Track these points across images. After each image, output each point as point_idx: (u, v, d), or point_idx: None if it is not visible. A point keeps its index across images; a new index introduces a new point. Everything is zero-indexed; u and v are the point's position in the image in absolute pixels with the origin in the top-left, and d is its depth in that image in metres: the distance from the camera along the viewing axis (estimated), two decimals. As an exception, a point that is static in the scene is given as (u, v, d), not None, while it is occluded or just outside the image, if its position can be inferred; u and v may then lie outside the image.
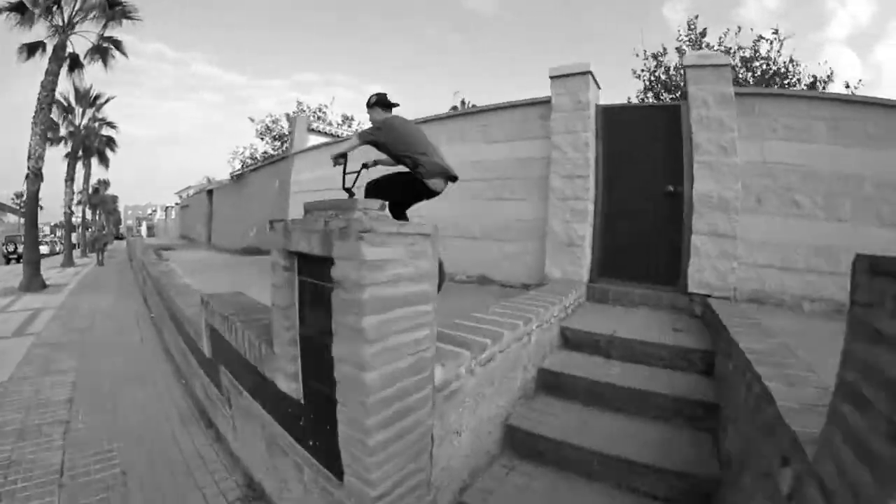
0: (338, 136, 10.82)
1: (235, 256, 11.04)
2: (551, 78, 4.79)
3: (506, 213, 5.13)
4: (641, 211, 4.47)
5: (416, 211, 4.02)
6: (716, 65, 4.31)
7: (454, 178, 3.26)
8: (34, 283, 9.88)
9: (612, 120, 4.74)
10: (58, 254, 21.48)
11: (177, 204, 32.31)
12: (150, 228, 58.53)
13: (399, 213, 3.47)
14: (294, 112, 14.00)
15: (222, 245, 14.45)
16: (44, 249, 27.96)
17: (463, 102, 12.43)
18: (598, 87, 4.95)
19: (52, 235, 33.95)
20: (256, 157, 13.68)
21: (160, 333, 5.60)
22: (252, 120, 14.25)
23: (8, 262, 22.29)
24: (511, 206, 5.09)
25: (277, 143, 14.17)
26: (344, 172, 3.82)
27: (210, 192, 17.15)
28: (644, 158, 4.52)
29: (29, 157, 10.17)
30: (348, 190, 3.69)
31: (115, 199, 49.95)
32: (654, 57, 11.54)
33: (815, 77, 10.74)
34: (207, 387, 2.87)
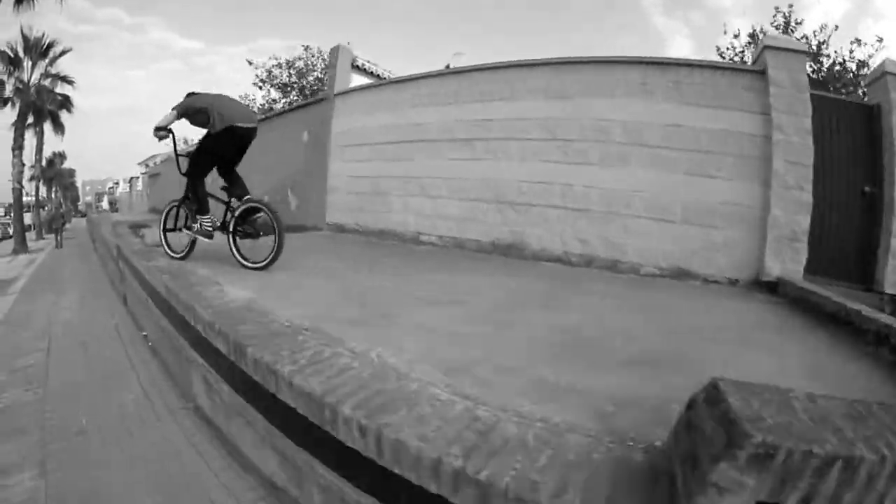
0: (384, 77, 8.48)
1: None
2: (766, 48, 4.23)
3: (711, 193, 4.31)
4: (838, 207, 4.43)
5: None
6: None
7: (244, 128, 3.82)
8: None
9: (815, 108, 4.25)
10: (10, 237, 18.33)
11: (143, 173, 28.78)
12: (112, 203, 54.18)
13: (224, 173, 4.14)
14: (302, 56, 11.33)
15: (211, 217, 11.83)
16: (-6, 234, 24.71)
17: (447, 66, 10.25)
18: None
19: (7, 217, 30.48)
20: (254, 110, 11.01)
21: (171, 377, 3.40)
22: (250, 63, 11.49)
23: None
24: (719, 185, 4.28)
25: (279, 94, 11.46)
26: (176, 155, 4.24)
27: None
28: (840, 154, 4.43)
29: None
30: (186, 174, 4.09)
31: (72, 172, 45.75)
32: (751, 37, 10.73)
33: None
34: None
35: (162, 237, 4.47)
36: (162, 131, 3.95)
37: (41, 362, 3.98)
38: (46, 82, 18.75)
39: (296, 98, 11.09)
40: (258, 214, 3.92)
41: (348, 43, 11.81)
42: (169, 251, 4.39)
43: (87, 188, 75.79)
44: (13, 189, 16.51)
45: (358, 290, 3.45)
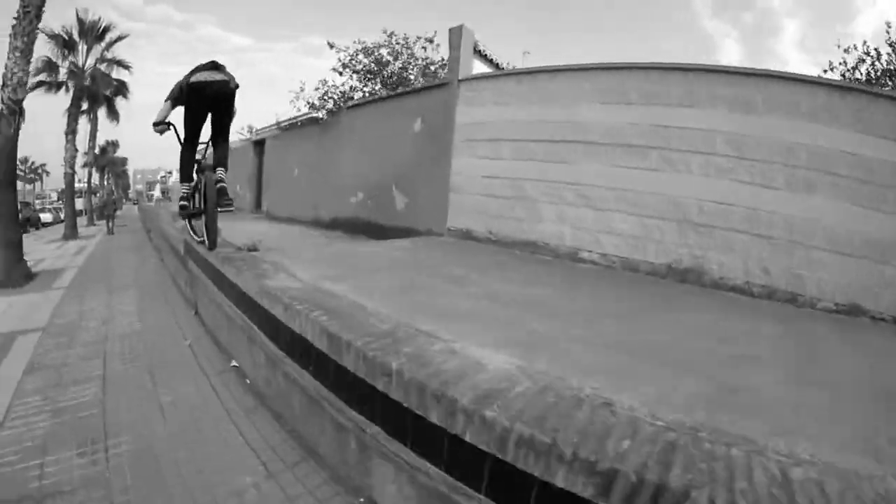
0: (503, 68, 7.41)
1: (334, 234, 7.67)
2: None
3: (886, 229, 3.97)
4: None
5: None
6: None
7: (207, 81, 3.56)
8: (13, 275, 6.34)
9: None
10: (62, 221, 18.01)
11: (199, 162, 28.58)
12: (164, 192, 55.02)
13: (214, 142, 4.03)
14: (385, 42, 10.08)
15: (283, 214, 10.66)
16: (46, 217, 24.68)
17: (503, 66, 8.85)
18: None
19: (59, 202, 30.96)
20: (333, 96, 9.83)
21: (304, 445, 2.24)
22: (331, 46, 10.31)
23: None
24: (891, 221, 3.95)
25: (357, 83, 10.23)
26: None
27: (259, 144, 13.38)
28: None
29: (4, 85, 6.59)
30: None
31: (124, 161, 46.37)
32: (866, 53, 9.55)
33: None
34: None
35: (187, 222, 4.53)
36: (160, 125, 3.75)
37: (96, 399, 2.87)
38: (102, 67, 18.22)
39: (377, 88, 9.92)
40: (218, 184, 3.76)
41: (424, 38, 10.66)
42: (194, 234, 4.36)
43: (139, 177, 77.96)
44: (65, 174, 16.07)
45: (621, 338, 2.53)
